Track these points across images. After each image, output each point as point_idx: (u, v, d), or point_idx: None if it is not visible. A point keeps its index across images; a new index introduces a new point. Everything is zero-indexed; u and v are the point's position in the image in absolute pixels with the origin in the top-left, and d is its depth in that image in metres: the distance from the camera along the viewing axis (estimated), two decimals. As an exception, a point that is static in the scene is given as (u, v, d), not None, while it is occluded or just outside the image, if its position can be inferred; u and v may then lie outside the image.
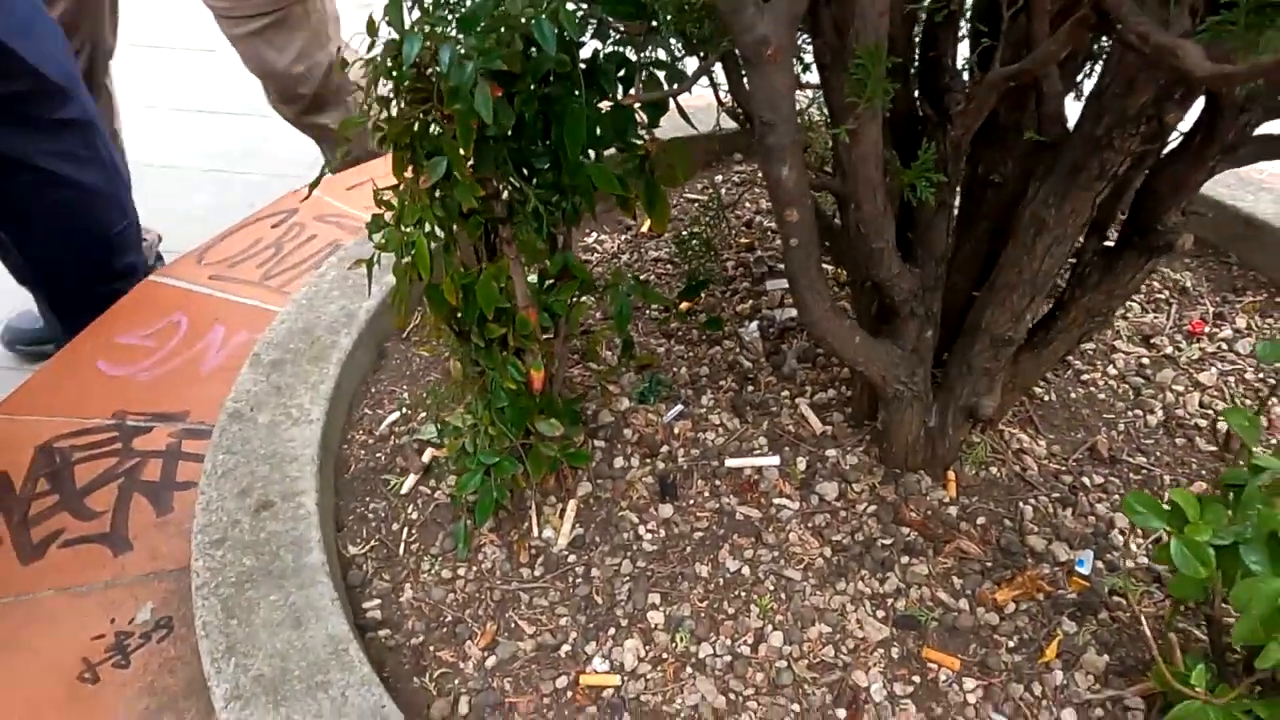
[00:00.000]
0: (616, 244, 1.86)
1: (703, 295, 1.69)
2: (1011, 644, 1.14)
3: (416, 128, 0.94)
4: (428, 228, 1.02)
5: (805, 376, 1.53)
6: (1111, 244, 1.19)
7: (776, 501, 1.32)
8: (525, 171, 1.07)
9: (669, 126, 1.86)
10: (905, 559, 1.24)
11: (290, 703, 0.96)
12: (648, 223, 1.90)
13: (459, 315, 1.13)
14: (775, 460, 1.37)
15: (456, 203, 1.02)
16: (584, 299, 1.43)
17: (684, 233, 1.69)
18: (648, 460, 1.38)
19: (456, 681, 1.12)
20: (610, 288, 1.23)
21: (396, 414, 1.43)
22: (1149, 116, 0.86)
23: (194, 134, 3.55)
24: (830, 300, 1.04)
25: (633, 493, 1.33)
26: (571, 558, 1.25)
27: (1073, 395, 1.49)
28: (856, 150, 0.87)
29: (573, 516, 1.29)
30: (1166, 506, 0.86)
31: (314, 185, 1.02)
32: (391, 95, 0.95)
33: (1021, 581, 1.20)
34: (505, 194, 1.06)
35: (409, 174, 1.00)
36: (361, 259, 1.15)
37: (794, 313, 1.65)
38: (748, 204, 1.95)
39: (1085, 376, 1.52)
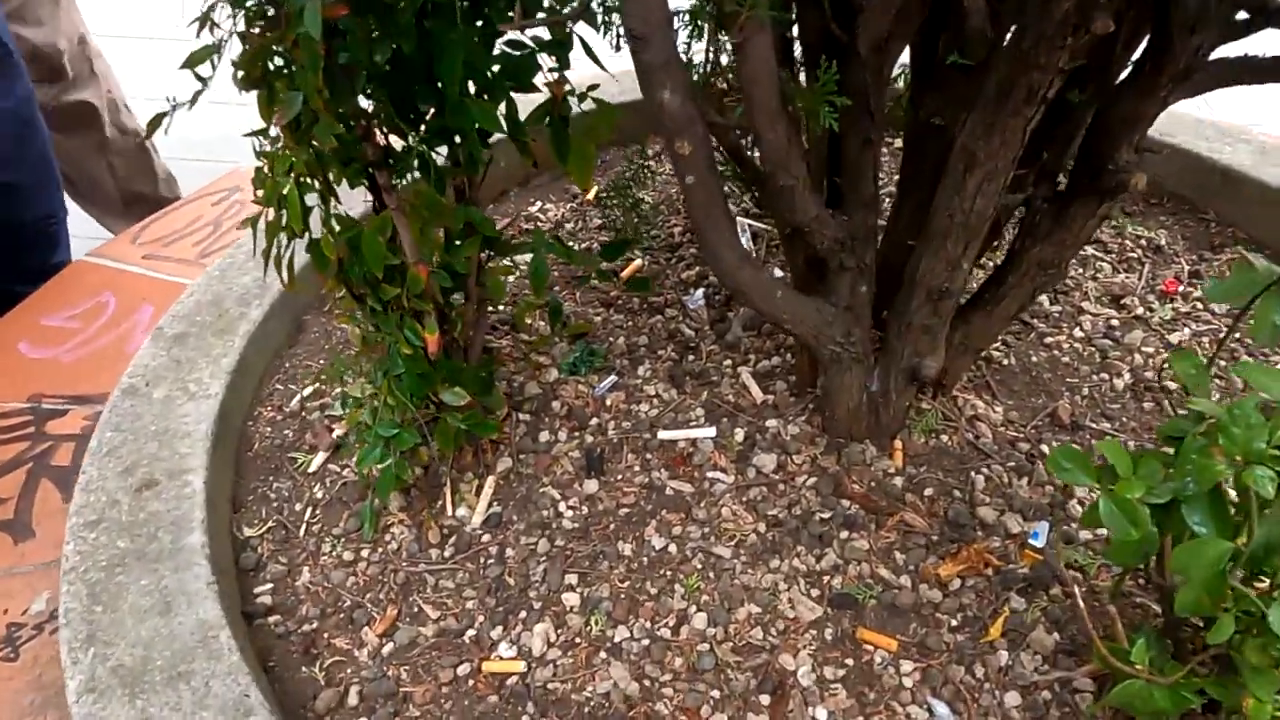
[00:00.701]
0: (561, 212, 1.77)
1: (645, 262, 1.60)
2: (954, 622, 1.05)
3: (270, 62, 0.85)
4: (302, 177, 0.93)
5: (750, 345, 1.43)
6: (1061, 190, 1.10)
7: (710, 475, 1.23)
8: (413, 116, 0.99)
9: (614, 92, 1.78)
10: (845, 534, 1.15)
11: (148, 695, 0.88)
12: (594, 190, 1.81)
13: (348, 274, 1.05)
14: (711, 432, 1.28)
15: (329, 151, 0.93)
16: (501, 261, 1.35)
17: (603, 191, 1.60)
18: (575, 434, 1.29)
19: (349, 670, 1.03)
20: (524, 246, 1.14)
21: (310, 389, 1.34)
22: (1075, 26, 0.77)
23: (173, 123, 3.47)
24: (742, 250, 0.95)
25: (557, 468, 1.25)
26: (485, 537, 1.16)
27: (1034, 359, 1.39)
28: (745, 69, 0.78)
29: (490, 494, 1.20)
30: (1097, 462, 0.76)
31: (154, 125, 0.93)
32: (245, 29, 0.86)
33: (967, 555, 1.10)
34: (384, 138, 0.97)
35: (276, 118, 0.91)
36: (250, 218, 1.06)
37: (742, 279, 1.56)
38: (700, 169, 1.85)
39: (1049, 339, 1.43)
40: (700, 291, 1.53)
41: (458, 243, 1.12)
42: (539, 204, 1.81)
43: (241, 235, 1.76)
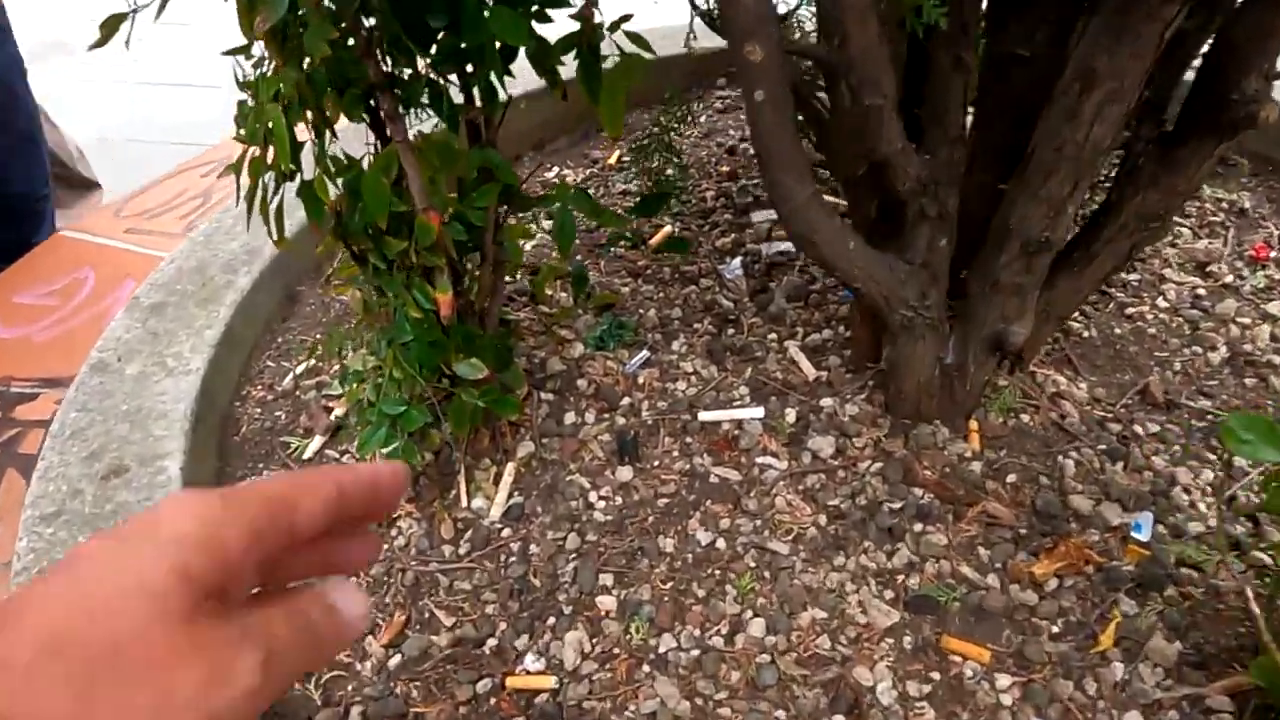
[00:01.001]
0: (580, 177, 1.62)
1: (676, 229, 1.45)
2: (1055, 629, 0.90)
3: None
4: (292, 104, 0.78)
5: (796, 317, 1.29)
6: (1168, 129, 0.95)
7: (760, 461, 1.08)
8: (421, 35, 0.84)
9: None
10: (918, 526, 1.00)
11: None
12: (615, 154, 1.66)
13: (347, 226, 0.90)
14: (759, 412, 1.13)
15: (323, 71, 0.78)
16: (520, 218, 1.20)
17: (626, 155, 1.45)
18: (605, 415, 1.14)
19: (350, 687, 0.88)
20: (548, 199, 0.99)
21: (305, 365, 1.19)
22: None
23: (162, 107, 3.33)
24: (813, 185, 0.80)
25: (585, 453, 1.10)
26: (506, 531, 1.01)
27: (1117, 331, 1.24)
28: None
29: (510, 482, 1.06)
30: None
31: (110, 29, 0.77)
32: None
33: (1064, 551, 0.95)
34: (388, 61, 0.82)
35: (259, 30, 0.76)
36: (233, 164, 0.92)
37: (784, 246, 1.41)
38: (732, 129, 1.70)
39: (1131, 310, 1.28)
40: (737, 260, 1.38)
41: (473, 192, 0.97)
42: (555, 169, 1.66)
43: (231, 199, 1.60)
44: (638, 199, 1.51)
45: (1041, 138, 0.83)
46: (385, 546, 1.00)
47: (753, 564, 0.98)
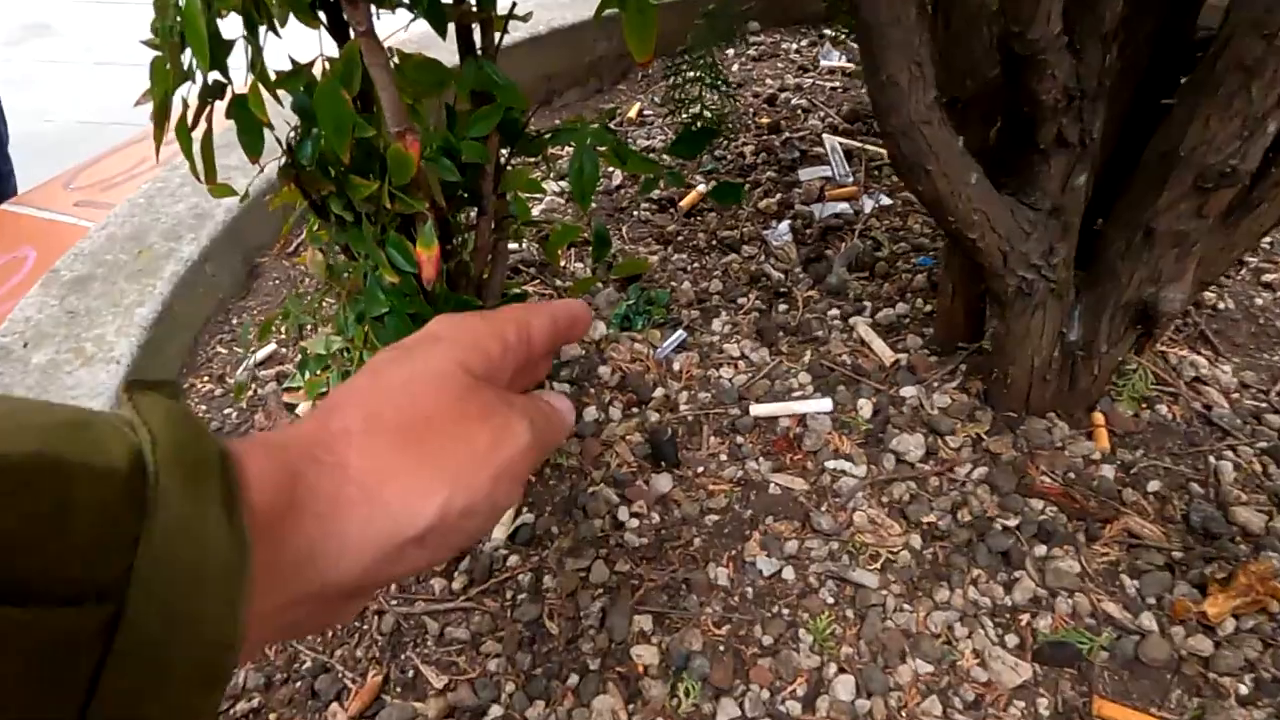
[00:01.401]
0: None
1: (710, 187, 1.22)
2: (1244, 689, 0.68)
3: None
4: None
5: (861, 289, 1.06)
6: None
7: (831, 465, 0.86)
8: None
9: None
10: (1041, 549, 0.78)
11: None
12: (635, 107, 1.43)
13: (299, 162, 0.68)
14: (825, 405, 0.91)
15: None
16: (526, 163, 0.98)
17: (649, 107, 1.23)
18: (634, 410, 0.92)
19: (307, 777, 0.67)
20: (565, 134, 0.77)
21: (265, 350, 0.97)
22: None
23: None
24: (934, 91, 0.58)
25: (612, 458, 0.88)
26: (513, 560, 0.80)
27: (1257, 302, 1.02)
28: None
29: (519, 496, 0.83)
30: None
31: None
32: None
33: (1243, 583, 0.73)
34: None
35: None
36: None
37: (840, 207, 1.19)
38: (769, 79, 1.48)
39: (1269, 277, 1.05)
40: (785, 224, 1.16)
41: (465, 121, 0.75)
42: (566, 126, 1.43)
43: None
44: (663, 156, 1.28)
45: (1242, 23, 0.61)
46: (358, 581, 0.78)
47: (831, 600, 0.76)
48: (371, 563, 0.33)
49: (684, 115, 1.25)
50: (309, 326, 0.81)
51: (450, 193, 0.73)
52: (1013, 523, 0.80)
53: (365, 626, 0.75)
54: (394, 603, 0.76)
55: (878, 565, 0.78)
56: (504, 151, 0.78)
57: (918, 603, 0.76)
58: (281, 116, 0.65)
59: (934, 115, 0.60)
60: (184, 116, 0.63)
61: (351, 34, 0.60)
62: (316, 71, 0.62)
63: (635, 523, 0.82)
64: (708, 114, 1.23)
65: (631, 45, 0.71)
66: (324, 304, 0.84)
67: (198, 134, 0.65)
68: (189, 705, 0.26)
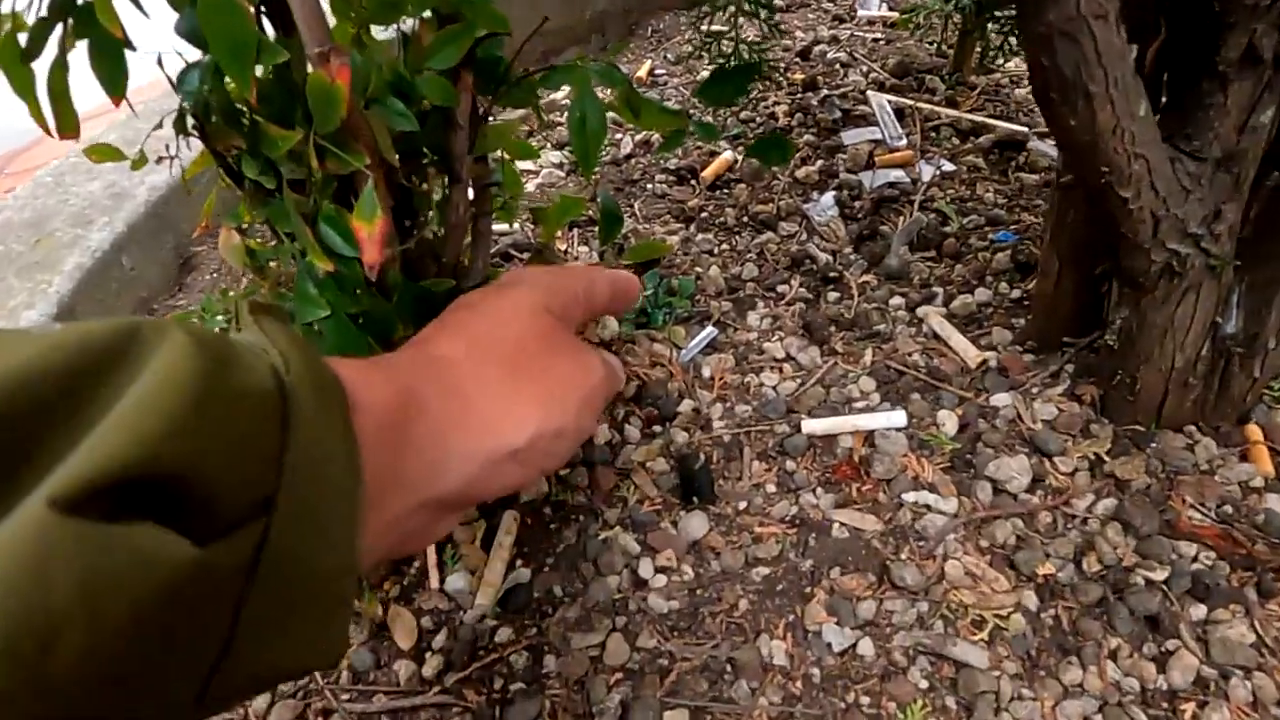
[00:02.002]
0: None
1: (737, 157, 1.03)
2: None
3: None
4: None
5: (929, 272, 0.87)
6: None
7: (911, 498, 0.67)
8: None
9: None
10: (1199, 610, 0.59)
11: None
12: (645, 66, 1.24)
13: (197, 106, 0.49)
14: (899, 418, 0.72)
15: None
16: (514, 114, 0.80)
17: (661, 67, 1.04)
18: (656, 429, 0.74)
19: None
20: (561, 74, 0.57)
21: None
22: None
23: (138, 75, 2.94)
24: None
25: (629, 492, 0.69)
26: (503, 634, 0.61)
27: None
28: None
29: (509, 545, 0.65)
30: None
31: None
32: None
33: None
34: None
35: None
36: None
37: (893, 174, 0.99)
38: (799, 31, 1.28)
39: None
40: (829, 196, 0.97)
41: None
42: (567, 91, 1.24)
43: (112, 123, 1.17)
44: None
45: None
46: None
47: (924, 684, 0.57)
48: (475, 476, 0.38)
49: (712, 60, 1.06)
50: (211, 317, 0.62)
51: (407, 149, 0.54)
52: (1158, 575, 0.61)
53: (306, 733, 0.56)
54: (345, 698, 0.57)
55: (983, 635, 0.59)
56: (483, 103, 0.59)
57: (1040, 686, 0.57)
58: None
59: (1109, 7, 0.40)
60: (9, 37, 0.44)
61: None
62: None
63: (662, 580, 0.63)
64: (737, 57, 1.03)
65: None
66: (260, 296, 0.65)
67: (42, 67, 0.46)
68: (317, 632, 0.27)
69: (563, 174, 1.05)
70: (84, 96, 0.50)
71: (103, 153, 0.55)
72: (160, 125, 0.55)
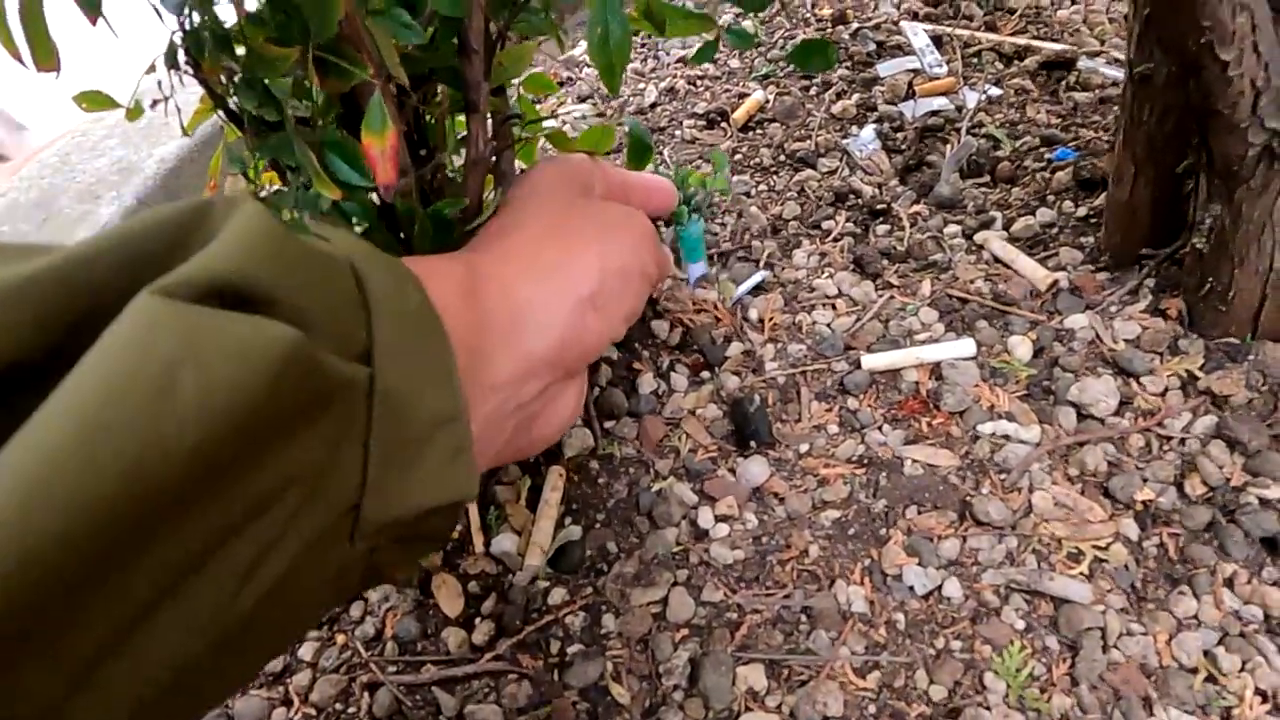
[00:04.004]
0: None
1: (769, 96, 0.97)
2: None
3: None
4: None
5: (983, 198, 0.81)
6: None
7: (987, 429, 0.62)
8: None
9: None
10: (1322, 530, 0.53)
11: None
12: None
13: (187, 33, 0.45)
14: (967, 347, 0.66)
15: None
16: (528, 46, 0.75)
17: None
18: (704, 375, 0.69)
19: None
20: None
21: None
22: None
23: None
24: None
25: (680, 441, 0.64)
26: (557, 595, 0.56)
27: None
28: None
29: (556, 502, 0.60)
30: None
31: None
32: None
33: None
34: None
35: None
36: None
37: (936, 103, 0.94)
38: (824, -34, 1.22)
39: None
40: (869, 129, 0.91)
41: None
42: (582, 44, 1.19)
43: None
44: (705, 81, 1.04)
45: None
46: (341, 639, 0.55)
47: (1022, 624, 0.52)
48: (563, 331, 0.39)
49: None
50: None
51: (418, 72, 0.50)
52: (1273, 493, 0.55)
53: (350, 710, 0.52)
54: (391, 669, 0.53)
55: (1082, 568, 0.54)
56: (496, 27, 0.55)
57: (1150, 620, 0.51)
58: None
59: None
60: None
61: None
62: None
63: (724, 529, 0.58)
64: None
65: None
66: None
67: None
68: (445, 470, 0.29)
69: (585, 123, 1.01)
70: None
71: (94, 100, 0.51)
72: (153, 68, 0.51)
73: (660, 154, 0.92)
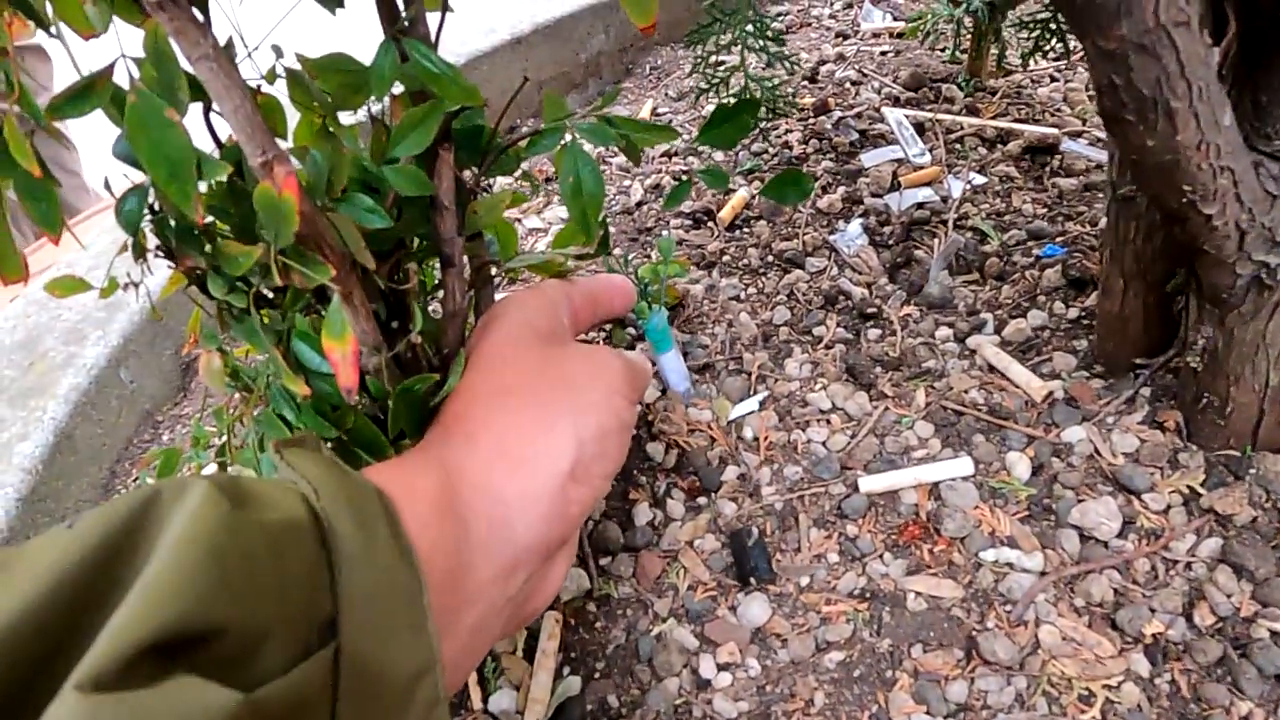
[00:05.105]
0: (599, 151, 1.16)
1: (753, 194, 0.98)
2: None
3: None
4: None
5: (974, 297, 0.81)
6: None
7: (989, 556, 0.61)
8: None
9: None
10: (1336, 662, 0.52)
11: None
12: (647, 106, 1.19)
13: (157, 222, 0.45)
14: (965, 466, 0.65)
15: None
16: (500, 187, 0.75)
17: (663, 104, 1.00)
18: (700, 501, 0.68)
19: None
20: (549, 134, 0.52)
21: (210, 468, 0.74)
22: None
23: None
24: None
25: (678, 576, 0.63)
26: (557, 757, 0.55)
27: None
28: None
29: (553, 653, 0.59)
30: None
31: None
32: None
33: None
34: None
35: None
36: None
37: (921, 194, 0.94)
38: (803, 52, 1.23)
39: None
40: (855, 224, 0.91)
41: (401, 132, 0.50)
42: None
43: (98, 226, 1.14)
44: (680, 175, 1.05)
45: None
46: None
47: (1035, 776, 0.50)
48: (546, 514, 0.38)
49: (717, 96, 1.01)
50: (201, 458, 0.57)
51: (385, 246, 0.49)
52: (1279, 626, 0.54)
53: None
54: None
55: (1094, 711, 0.53)
56: (470, 175, 0.54)
57: (1168, 769, 0.50)
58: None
59: (1191, 11, 0.35)
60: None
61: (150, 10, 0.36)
62: (123, 81, 0.38)
63: (726, 679, 0.57)
64: (754, 86, 0.98)
65: (629, 9, 0.46)
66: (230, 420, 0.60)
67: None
68: None
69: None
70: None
71: (67, 286, 0.51)
72: (126, 248, 0.51)
73: (648, 257, 0.92)
